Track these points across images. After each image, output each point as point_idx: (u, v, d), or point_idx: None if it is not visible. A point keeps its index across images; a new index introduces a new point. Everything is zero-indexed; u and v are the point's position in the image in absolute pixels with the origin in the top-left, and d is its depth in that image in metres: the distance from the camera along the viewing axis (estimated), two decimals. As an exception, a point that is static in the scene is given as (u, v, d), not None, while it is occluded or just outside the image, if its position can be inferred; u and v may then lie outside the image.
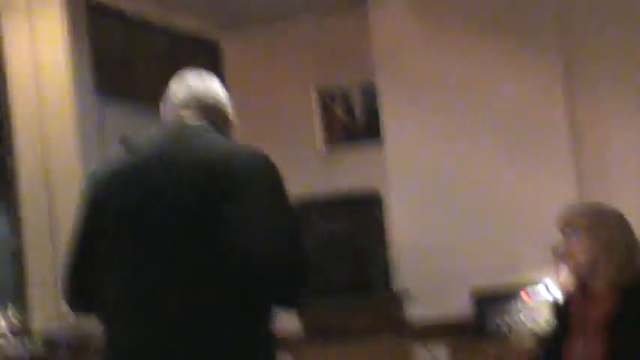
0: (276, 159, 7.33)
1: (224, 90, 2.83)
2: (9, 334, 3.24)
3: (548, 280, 5.86)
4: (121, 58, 6.32)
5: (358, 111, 7.03)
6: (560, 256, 3.52)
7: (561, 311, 3.61)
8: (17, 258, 5.73)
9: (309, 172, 6.94)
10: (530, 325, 6.00)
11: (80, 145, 5.63)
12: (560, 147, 6.31)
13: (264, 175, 2.44)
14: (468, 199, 6.46)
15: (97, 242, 2.51)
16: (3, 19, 5.74)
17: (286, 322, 6.49)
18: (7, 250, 5.88)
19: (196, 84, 2.72)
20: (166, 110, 2.70)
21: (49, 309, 5.36)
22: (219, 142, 2.54)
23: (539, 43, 6.39)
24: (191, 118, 2.61)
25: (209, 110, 2.66)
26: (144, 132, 2.67)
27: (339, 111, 7.07)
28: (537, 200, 6.26)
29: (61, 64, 5.67)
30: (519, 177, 6.37)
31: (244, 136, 7.18)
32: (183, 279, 2.31)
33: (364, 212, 6.53)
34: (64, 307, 2.75)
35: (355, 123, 7.05)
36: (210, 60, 7.18)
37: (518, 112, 6.41)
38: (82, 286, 2.58)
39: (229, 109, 2.75)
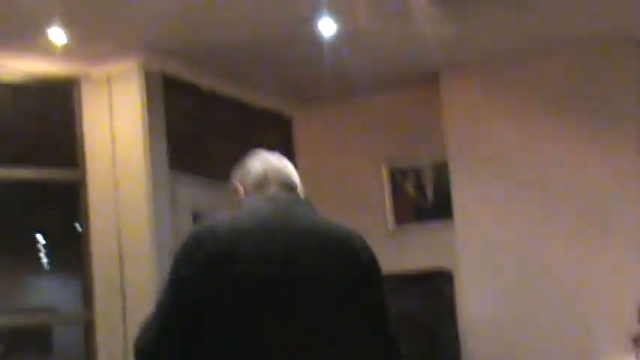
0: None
1: None
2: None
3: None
4: (195, 132, 6.40)
5: (429, 188, 6.99)
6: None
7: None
8: (89, 329, 5.77)
9: (379, 250, 6.81)
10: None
11: (153, 219, 5.67)
12: (637, 229, 6.18)
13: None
14: (540, 279, 6.33)
15: (200, 315, 2.26)
16: (83, 92, 5.88)
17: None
18: (80, 322, 5.93)
19: (283, 164, 2.67)
20: (252, 187, 2.57)
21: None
22: (336, 223, 2.54)
23: (615, 121, 6.31)
24: (292, 196, 2.57)
25: (299, 192, 2.64)
26: (228, 211, 2.51)
27: (409, 188, 7.04)
28: (610, 281, 6.12)
29: (137, 138, 5.76)
30: (591, 256, 6.24)
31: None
32: None
33: (434, 290, 6.44)
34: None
35: (426, 201, 7.01)
36: (283, 135, 7.25)
37: (592, 190, 6.31)
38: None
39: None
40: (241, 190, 2.59)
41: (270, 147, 7.70)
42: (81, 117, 5.87)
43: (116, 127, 5.83)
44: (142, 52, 5.74)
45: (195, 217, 6.06)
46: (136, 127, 5.76)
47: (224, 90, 6.48)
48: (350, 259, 2.39)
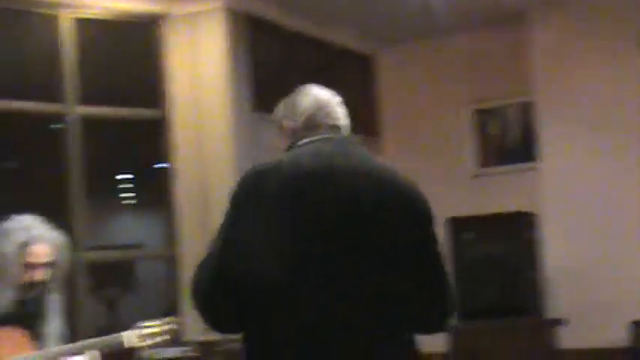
0: (428, 177, 7.30)
1: None
2: (166, 341, 3.26)
3: None
4: (277, 73, 6.40)
5: (514, 130, 6.89)
6: None
7: None
8: (173, 266, 5.87)
9: (461, 192, 6.84)
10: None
11: (235, 159, 5.70)
12: None
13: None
14: (625, 221, 6.21)
15: (259, 253, 2.25)
16: (165, 30, 5.90)
17: (434, 342, 6.43)
18: (164, 258, 6.03)
19: (334, 101, 2.63)
20: (302, 126, 2.53)
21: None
22: (389, 166, 2.48)
23: None
24: (346, 136, 2.55)
25: (346, 127, 2.62)
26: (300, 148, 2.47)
27: (493, 130, 6.94)
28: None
29: (220, 78, 5.76)
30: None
31: (395, 153, 7.21)
32: (381, 301, 2.30)
33: (517, 234, 6.37)
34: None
35: (510, 143, 6.91)
36: (364, 74, 7.20)
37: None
38: (232, 300, 2.29)
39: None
40: (290, 128, 2.56)
41: (352, 87, 7.74)
42: (164, 56, 5.90)
43: (199, 67, 5.84)
44: (226, -9, 5.73)
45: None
46: (219, 68, 5.77)
47: (307, 30, 6.45)
48: (407, 202, 2.38)
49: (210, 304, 2.32)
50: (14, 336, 3.26)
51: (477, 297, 6.26)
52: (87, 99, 5.53)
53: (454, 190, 6.84)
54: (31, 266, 3.30)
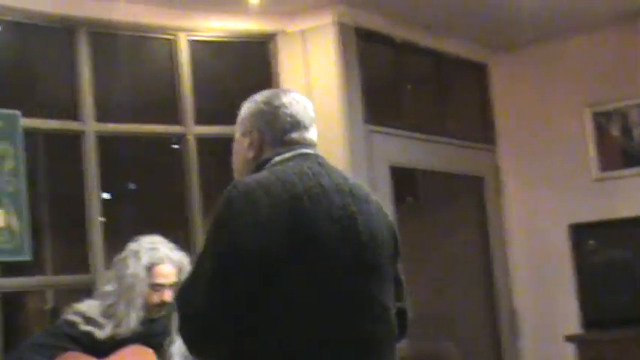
0: (548, 183, 7.16)
1: None
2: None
3: None
4: (389, 84, 6.38)
5: (637, 132, 6.68)
6: None
7: None
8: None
9: (583, 197, 6.67)
10: None
11: (351, 173, 5.69)
12: None
13: None
14: None
15: (267, 272, 2.10)
16: (279, 48, 5.98)
17: (564, 352, 6.29)
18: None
19: (307, 107, 2.49)
20: (278, 136, 2.39)
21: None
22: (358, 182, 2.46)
23: None
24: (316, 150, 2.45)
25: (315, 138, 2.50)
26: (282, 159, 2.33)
27: (615, 132, 6.75)
28: None
29: (333, 92, 5.80)
30: None
31: (513, 160, 7.08)
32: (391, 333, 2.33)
33: (643, 238, 6.18)
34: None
35: (633, 145, 6.70)
36: (479, 82, 7.12)
37: None
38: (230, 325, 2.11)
39: None
40: (261, 138, 2.41)
41: (467, 95, 7.68)
42: (277, 73, 5.98)
43: (312, 82, 5.89)
44: (335, 6, 5.77)
45: (393, 171, 6.06)
46: (331, 82, 5.80)
47: (419, 40, 6.41)
48: (385, 217, 2.38)
49: (211, 337, 2.12)
50: (143, 354, 3.32)
51: (602, 306, 6.10)
52: (204, 119, 5.64)
53: (575, 195, 6.68)
54: (158, 287, 3.36)
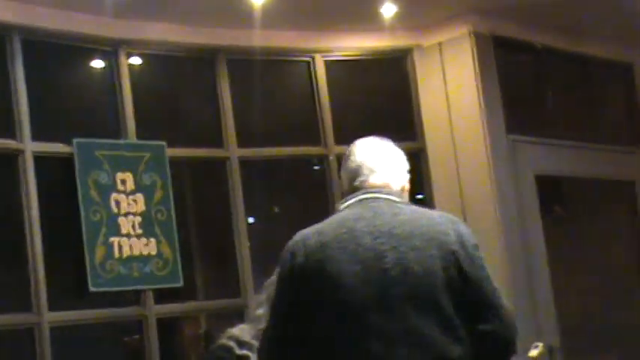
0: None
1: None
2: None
3: None
4: (531, 92, 6.25)
5: None
6: None
7: None
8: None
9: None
10: None
11: (494, 185, 5.62)
12: None
13: None
14: None
15: (310, 318, 2.38)
16: (416, 62, 5.95)
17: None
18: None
19: (380, 155, 2.62)
20: (347, 183, 2.57)
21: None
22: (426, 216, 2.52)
23: None
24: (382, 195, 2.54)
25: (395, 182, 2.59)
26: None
27: None
28: None
29: (472, 103, 5.73)
30: None
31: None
32: None
33: None
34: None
35: None
36: (624, 83, 6.88)
37: None
38: None
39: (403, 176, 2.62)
40: (342, 187, 2.60)
41: (613, 98, 7.40)
42: (416, 87, 5.94)
43: (450, 94, 5.83)
44: (470, 16, 5.71)
45: (539, 180, 5.92)
46: (470, 93, 5.73)
47: (557, 44, 6.26)
48: (441, 251, 2.40)
49: None
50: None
51: None
52: (344, 138, 5.65)
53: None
54: None
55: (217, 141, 5.42)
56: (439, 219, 2.45)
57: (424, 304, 2.35)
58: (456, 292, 2.36)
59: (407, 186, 2.61)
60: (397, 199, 2.51)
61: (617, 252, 6.64)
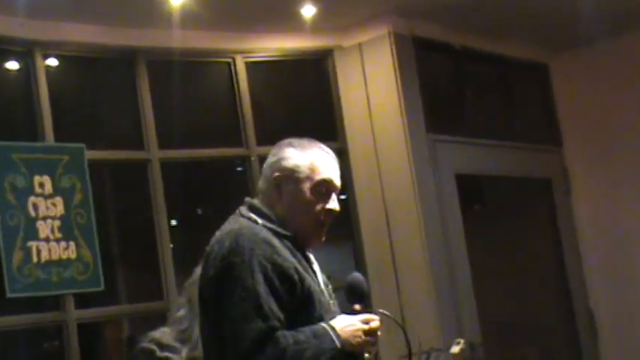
0: (617, 181, 7.01)
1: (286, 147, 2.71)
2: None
3: None
4: (450, 90, 6.33)
5: None
6: None
7: None
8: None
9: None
10: None
11: (415, 184, 5.67)
12: None
13: None
14: None
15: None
16: (336, 60, 5.97)
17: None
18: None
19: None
20: None
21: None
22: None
23: None
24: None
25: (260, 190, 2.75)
26: None
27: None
28: None
29: (393, 103, 5.78)
30: None
31: (581, 161, 6.96)
32: None
33: None
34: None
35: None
36: (541, 84, 7.02)
37: None
38: None
39: (269, 173, 2.69)
40: None
41: (530, 98, 7.55)
42: (337, 87, 5.97)
43: (371, 94, 5.87)
44: (390, 17, 5.75)
45: (459, 179, 6.00)
46: (390, 93, 5.78)
47: (476, 45, 6.35)
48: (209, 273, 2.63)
49: None
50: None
51: None
52: (265, 140, 5.65)
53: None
54: None
55: (138, 143, 5.36)
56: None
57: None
58: None
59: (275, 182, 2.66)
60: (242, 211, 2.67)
61: (535, 249, 6.78)
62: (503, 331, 6.30)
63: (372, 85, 5.88)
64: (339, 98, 5.95)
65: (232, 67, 5.71)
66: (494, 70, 6.66)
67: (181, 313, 3.43)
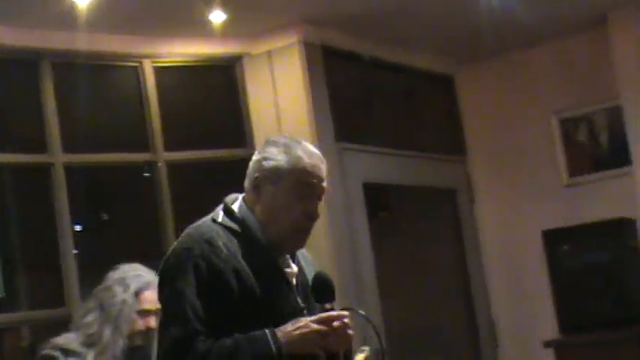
0: (519, 191, 7.18)
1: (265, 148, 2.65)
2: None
3: None
4: (359, 101, 6.39)
5: (603, 136, 6.73)
6: None
7: None
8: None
9: (555, 203, 6.71)
10: None
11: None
12: None
13: None
14: None
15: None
16: (245, 70, 5.97)
17: (544, 358, 6.31)
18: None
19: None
20: None
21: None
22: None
23: None
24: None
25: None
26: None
27: (582, 138, 6.80)
28: None
29: (301, 112, 5.80)
30: None
31: (484, 170, 7.11)
32: None
33: (618, 241, 6.21)
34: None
35: (600, 149, 6.75)
36: (447, 94, 7.14)
37: None
38: None
39: (251, 172, 2.60)
40: None
41: (436, 108, 7.66)
42: (245, 94, 5.96)
43: (280, 102, 5.88)
44: (300, 25, 5.77)
45: (367, 187, 6.05)
46: (299, 101, 5.80)
47: (385, 55, 6.43)
48: None
49: None
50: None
51: (579, 310, 6.12)
52: (173, 145, 5.61)
53: (547, 202, 6.72)
54: (144, 313, 3.34)
55: (41, 147, 5.26)
56: None
57: None
58: None
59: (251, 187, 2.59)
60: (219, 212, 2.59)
61: (439, 258, 6.88)
62: (408, 339, 6.37)
63: (281, 93, 5.89)
64: (247, 105, 5.95)
65: (140, 71, 5.65)
66: (402, 81, 6.75)
67: (90, 318, 3.38)
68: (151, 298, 3.33)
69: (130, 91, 5.72)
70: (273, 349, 2.34)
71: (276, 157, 2.57)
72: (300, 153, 2.60)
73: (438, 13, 5.93)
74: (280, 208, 2.51)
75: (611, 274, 6.16)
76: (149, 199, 5.58)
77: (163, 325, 2.41)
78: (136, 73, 5.66)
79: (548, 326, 6.43)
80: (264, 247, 2.50)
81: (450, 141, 7.08)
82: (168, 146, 5.59)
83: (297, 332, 2.39)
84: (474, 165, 7.09)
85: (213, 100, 6.05)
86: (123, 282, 3.34)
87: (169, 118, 5.68)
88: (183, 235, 2.52)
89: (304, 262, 2.68)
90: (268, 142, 2.65)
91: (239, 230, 2.50)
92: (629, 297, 6.10)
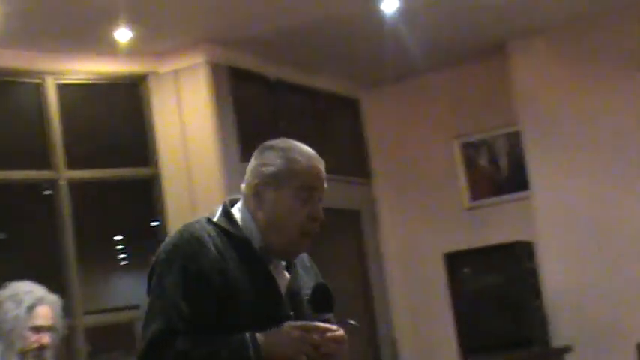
0: (422, 214, 7.26)
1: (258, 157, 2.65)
2: None
3: None
4: (264, 121, 6.40)
5: (503, 161, 6.89)
6: None
7: None
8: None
9: (456, 226, 6.83)
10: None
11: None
12: None
13: None
14: (626, 244, 6.20)
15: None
16: (151, 89, 5.92)
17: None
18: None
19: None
20: None
21: None
22: None
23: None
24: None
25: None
26: None
27: (483, 162, 6.95)
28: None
29: (207, 131, 5.79)
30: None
31: (388, 193, 7.18)
32: None
33: (516, 264, 6.35)
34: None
35: (500, 174, 6.91)
36: (352, 117, 7.21)
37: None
38: None
39: (250, 178, 2.60)
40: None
41: (341, 130, 7.71)
42: (151, 113, 5.91)
43: (186, 121, 5.86)
44: (207, 45, 5.77)
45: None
46: (205, 121, 5.79)
47: (291, 77, 6.47)
48: None
49: None
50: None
51: (479, 332, 6.22)
52: (76, 163, 5.52)
53: (449, 225, 6.83)
54: (37, 329, 3.28)
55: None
56: None
57: None
58: None
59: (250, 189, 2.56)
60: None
61: (342, 278, 6.92)
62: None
63: (187, 113, 5.86)
64: (153, 124, 5.90)
65: (42, 88, 5.55)
66: (308, 103, 6.79)
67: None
68: (44, 314, 3.28)
69: (32, 108, 5.61)
70: (251, 353, 2.32)
71: (275, 162, 2.55)
72: (298, 157, 2.56)
73: (342, 38, 6.01)
74: (285, 214, 2.48)
75: (508, 296, 6.29)
76: (50, 217, 5.47)
77: (146, 320, 2.38)
78: (38, 89, 5.56)
79: (449, 347, 6.52)
80: (256, 250, 2.48)
81: (356, 163, 7.14)
82: (71, 164, 5.50)
83: (278, 338, 2.37)
84: (378, 188, 7.17)
85: (117, 118, 5.99)
86: (15, 298, 3.28)
87: (72, 135, 5.58)
88: (176, 231, 2.52)
89: (302, 270, 2.66)
90: (264, 148, 2.64)
91: (233, 232, 2.49)
92: (524, 318, 6.24)
